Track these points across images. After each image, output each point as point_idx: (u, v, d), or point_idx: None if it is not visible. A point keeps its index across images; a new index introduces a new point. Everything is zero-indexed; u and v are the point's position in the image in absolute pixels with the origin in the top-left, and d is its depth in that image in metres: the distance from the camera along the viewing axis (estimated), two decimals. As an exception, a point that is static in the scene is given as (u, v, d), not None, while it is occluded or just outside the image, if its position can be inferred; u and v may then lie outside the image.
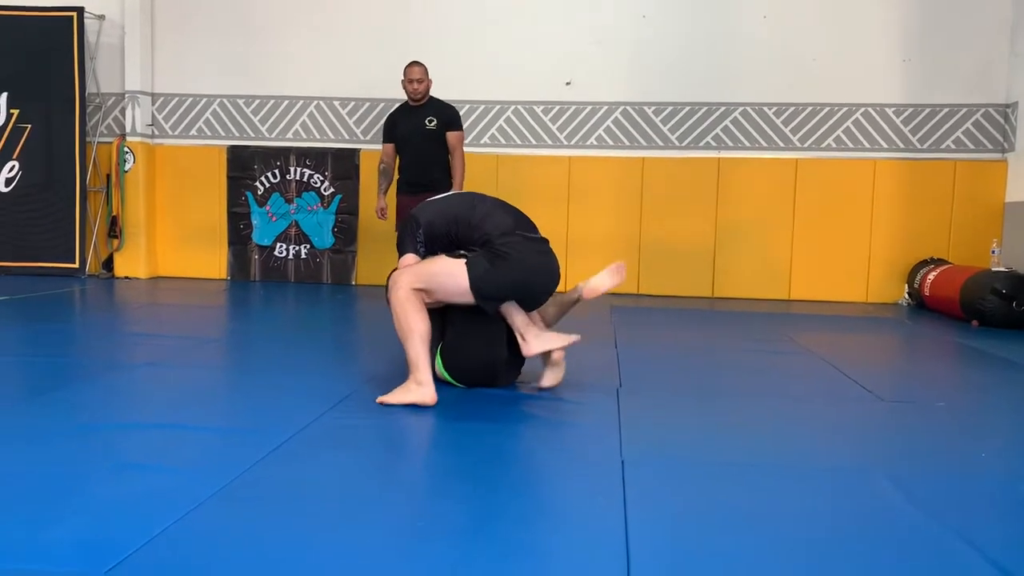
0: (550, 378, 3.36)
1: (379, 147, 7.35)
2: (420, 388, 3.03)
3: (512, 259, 3.11)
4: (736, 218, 7.18)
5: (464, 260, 3.11)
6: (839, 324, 5.81)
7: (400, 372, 3.62)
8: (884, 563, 1.81)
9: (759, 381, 3.77)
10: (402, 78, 5.59)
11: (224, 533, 1.87)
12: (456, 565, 1.74)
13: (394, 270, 3.56)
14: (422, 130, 5.53)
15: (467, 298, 3.12)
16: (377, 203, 5.74)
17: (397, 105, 5.82)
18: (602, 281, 3.42)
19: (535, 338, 3.23)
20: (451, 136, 5.57)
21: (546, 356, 3.33)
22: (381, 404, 3.05)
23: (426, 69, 5.56)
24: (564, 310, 3.57)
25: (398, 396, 3.06)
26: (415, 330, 3.05)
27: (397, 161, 5.73)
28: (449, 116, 5.60)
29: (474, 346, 3.28)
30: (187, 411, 2.98)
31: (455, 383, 3.33)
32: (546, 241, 3.32)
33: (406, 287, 3.08)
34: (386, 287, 3.52)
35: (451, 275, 3.09)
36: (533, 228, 3.33)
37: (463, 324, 3.24)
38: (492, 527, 1.97)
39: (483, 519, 2.03)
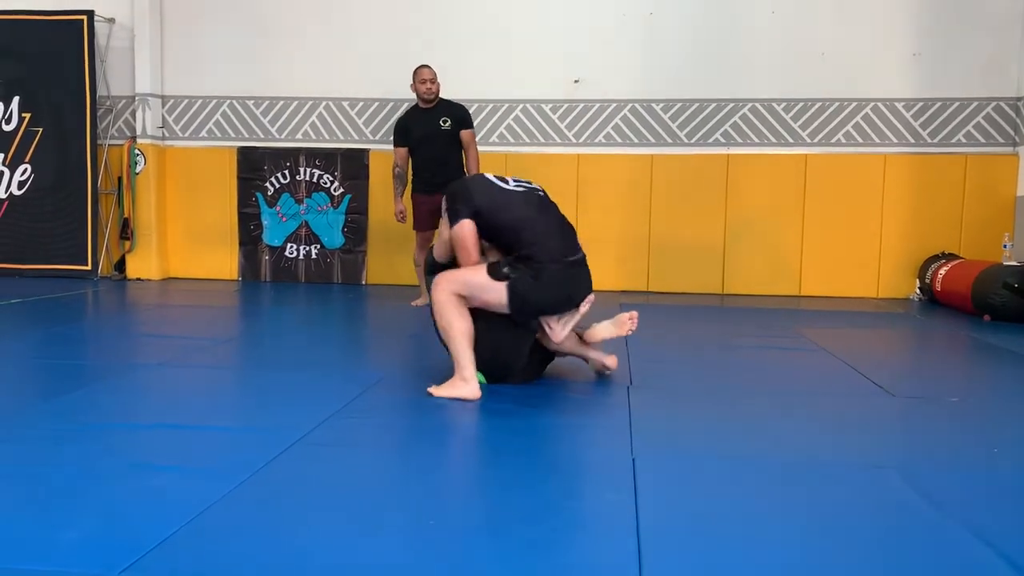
0: (611, 359, 3.61)
1: (389, 147, 7.44)
2: (466, 385, 3.17)
3: (551, 285, 3.22)
4: (746, 214, 7.16)
5: (505, 284, 3.17)
6: (850, 320, 5.79)
7: (413, 371, 3.67)
8: (896, 559, 1.81)
9: (769, 377, 3.77)
10: (411, 82, 5.75)
11: (237, 533, 1.89)
12: (467, 562, 1.75)
13: (433, 247, 3.66)
14: (438, 130, 5.71)
15: (505, 310, 3.24)
16: (395, 207, 5.96)
17: (405, 109, 5.91)
18: (606, 330, 3.52)
19: (557, 322, 3.36)
20: (465, 134, 5.78)
21: (593, 351, 3.56)
22: (431, 395, 3.17)
23: (435, 72, 5.76)
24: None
25: (446, 390, 3.19)
26: (457, 329, 3.18)
27: (410, 162, 5.84)
28: (461, 115, 5.80)
29: (500, 340, 3.31)
30: (200, 411, 3.01)
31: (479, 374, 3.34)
32: (583, 256, 3.38)
33: (447, 291, 3.19)
34: (424, 261, 3.65)
35: (492, 291, 3.20)
36: (575, 246, 3.38)
37: (493, 319, 3.27)
38: (503, 523, 1.97)
39: (494, 515, 2.04)
